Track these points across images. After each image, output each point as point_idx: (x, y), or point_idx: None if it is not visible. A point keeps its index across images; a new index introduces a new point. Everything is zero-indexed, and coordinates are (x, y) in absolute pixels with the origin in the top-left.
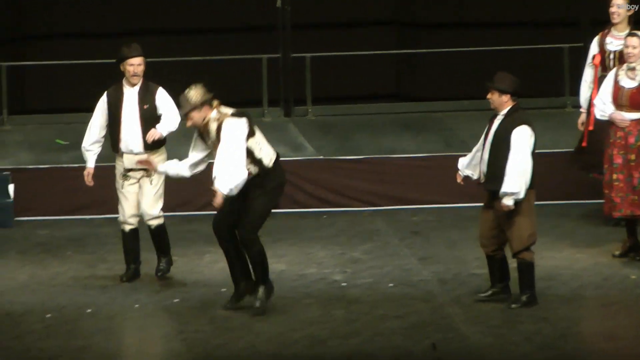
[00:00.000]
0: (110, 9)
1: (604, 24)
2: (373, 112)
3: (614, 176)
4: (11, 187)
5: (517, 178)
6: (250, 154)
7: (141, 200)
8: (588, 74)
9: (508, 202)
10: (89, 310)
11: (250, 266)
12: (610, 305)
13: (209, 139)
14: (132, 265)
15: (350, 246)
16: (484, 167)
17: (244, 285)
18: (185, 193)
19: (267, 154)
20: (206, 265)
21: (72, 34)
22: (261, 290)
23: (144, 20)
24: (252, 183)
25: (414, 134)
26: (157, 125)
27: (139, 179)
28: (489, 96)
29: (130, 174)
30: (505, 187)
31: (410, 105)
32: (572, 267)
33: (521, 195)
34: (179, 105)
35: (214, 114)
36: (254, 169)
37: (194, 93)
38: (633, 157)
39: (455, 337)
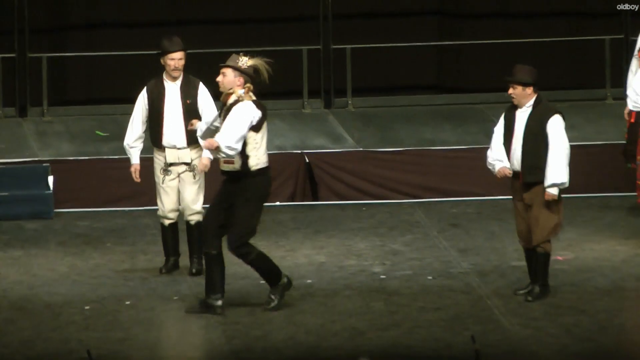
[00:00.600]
0: None
1: None
2: (413, 104)
3: None
4: (51, 179)
5: (562, 168)
6: (243, 145)
7: (183, 195)
8: (634, 65)
9: (554, 191)
10: (128, 302)
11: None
12: None
13: (223, 113)
14: (172, 257)
15: (390, 238)
16: (517, 161)
17: (213, 299)
18: None
19: (257, 156)
20: None
21: (113, 25)
22: (274, 291)
23: (185, 11)
24: (235, 188)
25: (454, 126)
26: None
27: (180, 174)
28: (510, 91)
29: (172, 168)
30: (552, 179)
31: (451, 97)
32: (612, 259)
33: (567, 184)
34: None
35: (241, 91)
36: (237, 161)
37: (247, 60)
38: None
39: (495, 329)
